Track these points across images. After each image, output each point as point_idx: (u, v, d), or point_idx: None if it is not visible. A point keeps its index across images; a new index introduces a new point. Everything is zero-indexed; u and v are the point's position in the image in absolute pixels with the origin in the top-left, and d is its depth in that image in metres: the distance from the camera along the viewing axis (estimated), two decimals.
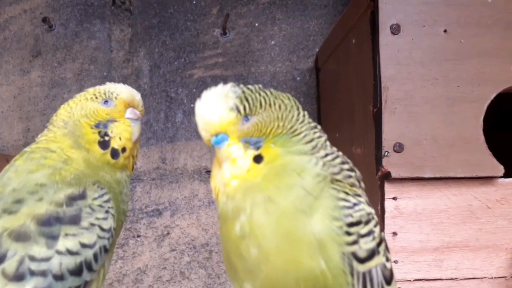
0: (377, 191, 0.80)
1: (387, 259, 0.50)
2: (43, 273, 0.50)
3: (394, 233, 0.78)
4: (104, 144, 0.60)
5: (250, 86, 0.54)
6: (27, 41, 1.27)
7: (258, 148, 0.51)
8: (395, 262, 0.78)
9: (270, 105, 0.53)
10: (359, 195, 0.51)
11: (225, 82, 1.42)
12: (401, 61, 0.78)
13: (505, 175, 0.79)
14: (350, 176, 0.52)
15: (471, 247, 0.78)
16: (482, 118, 0.79)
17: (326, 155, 0.52)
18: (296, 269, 0.46)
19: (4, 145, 1.25)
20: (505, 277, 0.78)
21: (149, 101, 1.24)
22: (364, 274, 0.48)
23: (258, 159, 0.50)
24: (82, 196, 0.55)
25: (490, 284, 0.78)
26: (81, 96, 0.63)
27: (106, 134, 0.61)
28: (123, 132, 0.62)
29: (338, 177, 0.50)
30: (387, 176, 0.78)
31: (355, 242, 0.47)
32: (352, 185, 0.51)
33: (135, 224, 1.21)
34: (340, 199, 0.48)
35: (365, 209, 0.49)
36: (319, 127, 0.56)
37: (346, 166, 0.52)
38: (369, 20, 0.81)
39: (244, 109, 0.52)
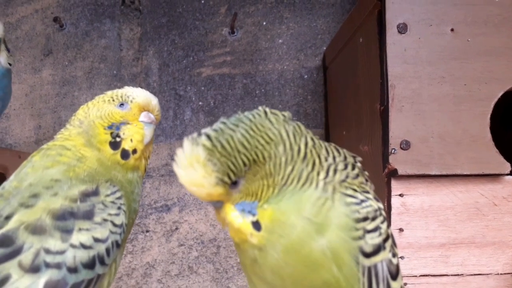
0: (384, 188, 0.81)
1: (394, 255, 0.51)
2: (57, 266, 0.52)
3: (401, 230, 0.79)
4: (114, 145, 0.62)
5: (224, 143, 0.46)
6: (38, 40, 1.28)
7: (254, 214, 0.48)
8: (402, 258, 0.78)
9: (254, 160, 0.47)
10: (367, 192, 0.51)
11: (233, 80, 1.43)
12: (408, 60, 0.79)
13: None
14: (357, 176, 0.51)
15: (477, 244, 0.79)
16: (489, 116, 0.79)
17: (327, 173, 0.49)
18: (311, 283, 0.47)
19: (16, 141, 1.27)
20: (511, 273, 0.79)
21: (158, 99, 1.25)
22: (369, 269, 0.48)
23: (257, 226, 0.48)
24: (95, 192, 0.57)
25: (496, 280, 0.79)
26: (100, 98, 0.66)
27: (117, 136, 0.63)
28: (135, 134, 0.63)
29: (347, 180, 0.50)
30: (393, 173, 0.79)
31: (361, 237, 0.48)
32: (360, 183, 0.51)
33: (144, 220, 1.22)
34: (348, 196, 0.48)
35: (372, 205, 0.50)
36: (309, 143, 0.50)
37: (352, 172, 0.51)
38: (377, 19, 0.82)
39: (229, 178, 0.46)
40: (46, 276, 0.51)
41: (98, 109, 0.64)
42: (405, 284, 0.78)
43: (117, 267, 0.60)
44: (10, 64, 0.93)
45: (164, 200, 1.23)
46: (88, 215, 0.55)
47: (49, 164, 0.58)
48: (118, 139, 0.62)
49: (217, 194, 0.47)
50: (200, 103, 1.26)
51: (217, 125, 0.48)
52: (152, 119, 0.67)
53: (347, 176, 0.50)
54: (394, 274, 0.50)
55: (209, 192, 0.47)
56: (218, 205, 0.49)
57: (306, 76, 1.26)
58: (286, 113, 0.51)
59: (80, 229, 0.54)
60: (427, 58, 0.79)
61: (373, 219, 0.49)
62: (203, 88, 1.26)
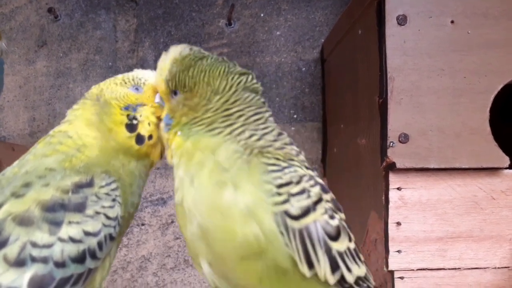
0: (382, 182, 0.80)
1: (332, 217, 0.51)
2: (44, 260, 0.50)
3: (398, 223, 0.79)
4: (131, 127, 0.60)
5: (192, 57, 0.55)
6: (32, 31, 1.27)
7: (167, 130, 0.56)
8: (399, 251, 0.78)
9: (191, 87, 0.54)
10: (292, 160, 0.52)
11: None
12: (407, 52, 0.78)
13: (511, 166, 0.79)
14: (282, 148, 0.53)
15: (475, 238, 0.79)
16: (488, 109, 0.78)
17: (251, 136, 0.53)
18: (231, 237, 0.48)
19: (10, 134, 1.25)
20: (508, 267, 0.79)
21: None
22: (300, 231, 0.49)
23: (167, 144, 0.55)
24: (89, 184, 0.55)
25: (493, 274, 0.79)
26: (111, 81, 0.63)
27: (134, 118, 0.60)
28: (151, 116, 0.61)
29: (268, 149, 0.52)
30: (392, 167, 0.78)
31: (285, 201, 0.49)
32: (286, 153, 0.53)
33: (140, 213, 1.22)
34: (269, 164, 0.50)
35: (297, 171, 0.51)
36: (245, 112, 0.55)
37: (278, 143, 0.54)
38: (376, 11, 0.81)
39: (173, 84, 0.55)
40: (31, 271, 0.49)
41: (112, 91, 0.62)
42: (402, 277, 0.78)
43: (112, 260, 0.59)
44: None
45: (159, 194, 1.23)
46: (80, 208, 0.53)
47: (48, 153, 0.57)
48: (134, 122, 0.60)
49: (162, 88, 0.56)
50: None
51: (199, 49, 0.58)
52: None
53: (270, 146, 0.53)
54: (334, 235, 0.50)
55: (158, 82, 0.56)
56: (160, 101, 0.58)
57: (303, 68, 1.25)
58: (258, 85, 0.57)
59: (70, 222, 0.52)
60: (427, 50, 0.78)
61: (298, 183, 0.50)
62: None
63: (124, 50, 1.26)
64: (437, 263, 0.78)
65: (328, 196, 0.52)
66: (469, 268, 0.78)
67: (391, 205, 0.79)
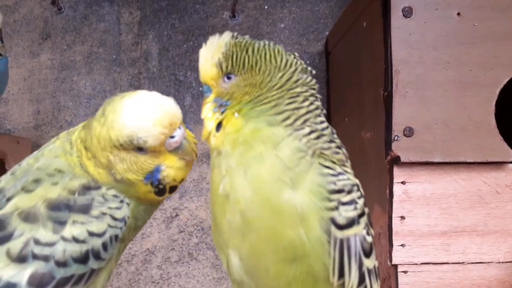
0: (386, 175, 0.80)
1: (368, 233, 0.51)
2: (45, 258, 0.50)
3: (402, 217, 0.78)
4: (160, 192, 0.55)
5: (245, 40, 0.52)
6: (36, 24, 1.27)
7: (222, 113, 0.51)
8: (403, 245, 0.78)
9: (252, 66, 0.51)
10: (345, 166, 0.51)
11: None
12: (413, 45, 0.78)
13: None
14: (337, 153, 0.52)
15: (479, 232, 0.79)
16: (494, 102, 0.78)
17: (311, 132, 0.50)
18: (277, 238, 0.47)
19: (15, 127, 1.26)
20: None
21: (158, 84, 1.24)
22: (341, 241, 0.48)
23: (218, 127, 0.51)
24: (98, 187, 0.54)
25: (497, 269, 0.78)
26: (108, 141, 0.53)
27: (159, 183, 0.54)
28: (177, 174, 0.55)
29: (326, 152, 0.50)
30: (396, 160, 0.78)
31: (335, 208, 0.48)
32: (339, 159, 0.51)
33: None
34: (325, 167, 0.49)
35: (350, 179, 0.50)
36: (308, 97, 0.52)
37: (333, 144, 0.52)
38: (381, 3, 0.80)
39: (227, 67, 0.51)
40: (32, 267, 0.49)
41: (120, 160, 0.53)
42: (406, 271, 0.78)
43: (117, 261, 0.58)
44: (0, 55, 0.92)
45: None
46: (85, 209, 0.52)
47: (61, 155, 0.56)
48: (161, 187, 0.55)
49: (210, 75, 0.52)
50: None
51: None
52: (178, 140, 0.53)
53: (328, 148, 0.51)
54: (368, 251, 0.50)
55: (207, 69, 0.52)
56: (207, 93, 0.53)
57: (308, 61, 1.24)
58: (310, 74, 0.54)
59: (74, 222, 0.51)
60: (432, 42, 0.78)
61: (349, 192, 0.49)
62: None
63: (128, 43, 1.26)
64: (441, 258, 0.78)
65: (366, 210, 0.52)
66: (473, 263, 0.78)
67: (395, 199, 0.78)
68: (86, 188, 0.53)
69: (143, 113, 0.52)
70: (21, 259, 0.49)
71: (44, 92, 1.26)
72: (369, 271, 0.51)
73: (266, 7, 1.25)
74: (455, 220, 0.79)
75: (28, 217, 0.51)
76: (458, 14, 0.78)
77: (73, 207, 0.52)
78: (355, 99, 0.98)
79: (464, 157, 0.77)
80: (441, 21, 0.78)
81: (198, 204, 1.22)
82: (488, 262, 0.79)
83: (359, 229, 0.49)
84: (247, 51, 0.51)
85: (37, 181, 0.53)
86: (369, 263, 0.51)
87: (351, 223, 0.49)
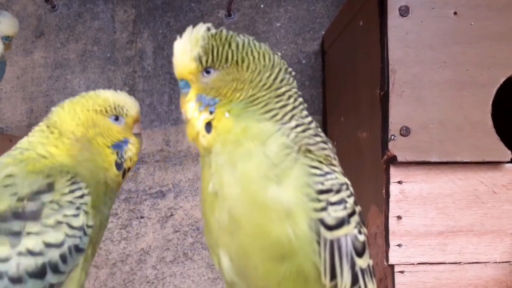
0: (383, 175, 0.80)
1: (360, 232, 0.50)
2: None
3: (399, 217, 0.78)
4: (119, 166, 0.59)
5: (224, 33, 0.50)
6: (30, 21, 1.25)
7: (211, 112, 0.50)
8: (399, 245, 0.78)
9: (237, 62, 0.50)
10: (333, 165, 0.51)
11: None
12: (409, 44, 0.77)
13: None
14: (324, 148, 0.51)
15: (475, 232, 0.78)
16: (491, 102, 0.78)
17: (297, 126, 0.50)
18: (264, 235, 0.47)
19: (7, 125, 1.25)
20: (509, 262, 0.78)
21: (153, 83, 1.23)
22: (331, 242, 0.48)
23: (208, 128, 0.49)
24: (49, 189, 0.51)
25: (493, 269, 0.78)
26: (89, 105, 0.59)
27: (122, 156, 0.60)
28: (134, 155, 0.61)
29: (313, 148, 0.50)
30: (392, 160, 0.77)
31: (323, 209, 0.47)
32: (327, 155, 0.51)
33: (139, 206, 1.21)
34: (312, 167, 0.48)
35: (338, 178, 0.49)
36: (292, 94, 0.52)
37: (318, 139, 0.51)
38: (377, 2, 0.80)
39: (207, 61, 0.49)
40: None
41: (94, 123, 0.58)
42: (403, 271, 0.78)
43: (86, 274, 0.55)
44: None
45: (159, 186, 1.22)
46: (34, 216, 0.49)
47: (9, 161, 0.55)
48: (122, 160, 0.60)
49: (189, 69, 0.50)
50: None
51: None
52: (141, 128, 0.64)
53: (315, 143, 0.50)
54: (360, 251, 0.50)
55: (185, 63, 0.50)
56: (185, 88, 0.51)
57: (304, 61, 1.24)
58: (290, 74, 0.54)
59: (28, 233, 0.48)
60: (429, 42, 0.77)
61: (338, 192, 0.48)
62: None
63: (123, 41, 1.25)
64: (437, 257, 0.78)
65: (357, 209, 0.51)
66: (469, 263, 0.78)
67: (391, 198, 0.78)
68: (36, 193, 0.51)
69: (126, 95, 0.62)
70: None
71: (38, 91, 1.25)
72: (362, 270, 0.50)
73: (262, 6, 1.24)
74: (452, 220, 0.79)
75: None
76: (455, 13, 0.78)
77: (22, 214, 0.49)
78: (351, 98, 0.98)
79: (460, 157, 0.77)
80: (438, 20, 0.78)
81: (193, 204, 1.21)
82: (485, 262, 0.78)
83: (349, 229, 0.49)
84: (229, 46, 0.50)
85: None
86: (362, 262, 0.50)
87: (341, 223, 0.48)
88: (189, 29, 0.51)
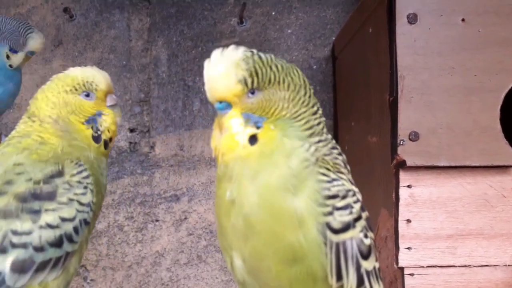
0: (392, 179, 0.81)
1: (366, 236, 0.53)
2: (24, 245, 0.55)
3: (408, 220, 0.79)
4: (97, 139, 0.64)
5: (262, 56, 0.53)
6: (49, 31, 1.29)
7: (258, 127, 0.52)
8: (409, 248, 0.79)
9: (279, 82, 0.53)
10: (341, 173, 0.54)
11: None
12: (417, 51, 0.78)
13: None
14: (336, 158, 0.55)
15: (485, 235, 0.79)
16: (499, 107, 0.78)
17: (319, 141, 0.54)
18: (277, 241, 0.49)
19: None
20: None
21: (167, 90, 1.26)
22: (337, 244, 0.50)
23: (252, 140, 0.52)
24: (60, 173, 0.59)
25: (503, 272, 0.79)
26: (59, 87, 0.64)
27: (98, 129, 0.65)
28: (111, 124, 0.66)
29: (327, 158, 0.53)
30: (402, 165, 0.78)
31: (330, 213, 0.50)
32: (335, 164, 0.54)
33: (154, 209, 1.24)
34: (321, 174, 0.51)
35: (344, 185, 0.52)
36: (320, 111, 0.57)
37: (335, 151, 0.55)
38: (386, 9, 0.81)
39: (252, 83, 0.52)
40: (12, 255, 0.54)
41: (65, 103, 0.63)
42: (412, 274, 0.79)
43: (87, 243, 0.63)
44: (11, 66, 0.97)
45: (173, 190, 1.25)
46: (50, 196, 0.57)
47: (10, 150, 0.60)
48: (98, 132, 0.64)
49: (234, 92, 0.52)
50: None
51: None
52: (116, 99, 0.68)
53: (330, 154, 0.54)
54: (366, 253, 0.52)
55: (229, 86, 0.51)
56: (225, 109, 0.53)
57: (315, 66, 1.26)
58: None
59: (46, 210, 0.56)
60: (437, 48, 0.78)
61: (344, 197, 0.51)
62: None
63: (138, 49, 1.28)
64: (447, 260, 0.79)
65: (364, 215, 0.54)
66: (479, 266, 0.79)
67: (401, 202, 0.79)
68: (49, 177, 0.58)
69: (94, 69, 0.66)
70: (1, 250, 0.54)
71: None
72: (368, 272, 0.52)
73: (273, 13, 1.26)
74: (461, 224, 0.79)
75: (5, 214, 0.55)
76: (463, 20, 0.79)
77: (40, 195, 0.56)
78: (362, 103, 0.99)
79: (469, 161, 0.78)
80: (446, 27, 0.79)
81: (206, 207, 1.24)
82: (495, 265, 0.79)
83: (355, 233, 0.51)
84: (271, 68, 0.53)
85: (9, 182, 0.57)
86: (368, 264, 0.52)
87: (346, 227, 0.51)
88: (223, 52, 0.52)
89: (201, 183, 1.24)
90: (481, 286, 0.78)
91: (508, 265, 0.79)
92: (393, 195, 0.80)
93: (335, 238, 0.50)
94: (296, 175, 0.50)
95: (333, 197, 0.51)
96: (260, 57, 0.53)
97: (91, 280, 1.23)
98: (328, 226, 0.50)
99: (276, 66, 0.53)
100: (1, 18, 0.97)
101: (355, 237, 0.51)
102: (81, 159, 0.61)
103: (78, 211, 0.58)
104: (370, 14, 0.91)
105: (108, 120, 0.66)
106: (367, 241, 0.53)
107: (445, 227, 0.79)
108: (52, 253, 0.56)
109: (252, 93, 0.52)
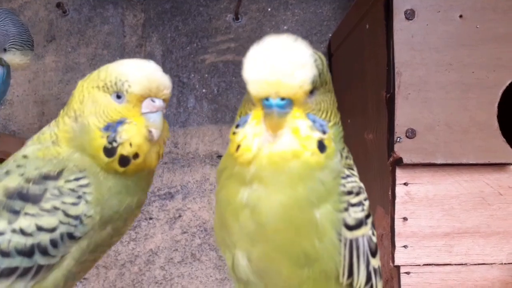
0: (389, 177, 0.80)
1: (373, 234, 0.52)
2: None
3: (405, 218, 0.79)
4: (109, 152, 0.51)
5: (318, 53, 0.47)
6: (41, 26, 1.28)
7: (324, 132, 0.46)
8: (405, 247, 0.78)
9: (326, 82, 0.47)
10: (352, 169, 0.53)
11: (237, 68, 1.44)
12: (415, 47, 0.78)
13: None
14: (348, 157, 0.53)
15: (482, 233, 0.79)
16: (496, 104, 0.78)
17: (344, 147, 0.52)
18: (292, 246, 0.48)
19: (19, 128, 1.27)
20: None
21: None
22: (351, 241, 0.49)
23: (322, 147, 0.46)
24: (56, 177, 0.51)
25: (500, 270, 0.79)
26: (94, 80, 0.54)
27: (114, 140, 0.51)
28: (134, 137, 0.51)
29: (348, 161, 0.52)
30: (398, 162, 0.78)
31: (345, 210, 0.49)
32: (349, 164, 0.53)
33: (148, 207, 1.23)
34: (340, 177, 0.50)
35: (357, 182, 0.51)
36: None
37: (346, 148, 0.54)
38: (383, 5, 0.80)
39: (316, 82, 0.45)
40: None
41: (93, 101, 0.53)
42: (409, 273, 0.78)
43: (77, 263, 0.53)
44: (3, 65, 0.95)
45: (167, 188, 1.23)
46: (35, 199, 0.50)
47: (28, 143, 0.56)
48: (114, 144, 0.51)
49: (305, 89, 0.44)
50: (204, 90, 1.25)
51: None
52: (158, 106, 0.53)
53: (347, 157, 0.52)
54: (374, 251, 0.52)
55: (304, 82, 0.43)
56: (286, 108, 0.44)
57: None
58: None
59: (26, 214, 0.50)
60: (435, 44, 0.78)
61: (357, 194, 0.50)
62: (206, 75, 1.25)
63: (132, 45, 1.27)
64: (443, 259, 0.78)
65: (371, 212, 0.54)
66: (475, 264, 0.78)
67: (397, 200, 0.79)
68: (43, 178, 0.51)
69: (138, 65, 0.52)
70: None
71: (49, 94, 1.27)
72: (374, 270, 0.52)
73: (269, 9, 1.25)
74: (458, 222, 0.79)
75: None
76: (460, 16, 0.78)
77: (25, 196, 0.51)
78: (358, 100, 0.98)
79: (466, 159, 0.77)
80: (443, 23, 0.78)
81: (201, 205, 1.23)
82: (491, 264, 0.79)
83: (366, 230, 0.51)
84: (325, 65, 0.48)
85: (7, 173, 0.53)
86: (375, 262, 0.52)
87: (359, 224, 0.50)
88: (295, 40, 0.44)
89: (195, 181, 1.23)
90: (477, 284, 0.78)
91: (505, 263, 0.79)
92: (390, 193, 0.80)
93: (350, 235, 0.49)
94: (324, 189, 0.47)
95: (349, 193, 0.49)
96: (319, 56, 0.47)
97: (84, 278, 1.21)
98: (344, 222, 0.49)
99: (327, 66, 0.48)
100: (12, 17, 0.96)
101: (366, 234, 0.50)
102: (87, 172, 0.52)
103: (61, 222, 0.50)
104: (367, 10, 0.91)
105: (131, 131, 0.51)
106: (374, 239, 0.52)
107: (442, 225, 0.79)
108: (19, 262, 0.50)
109: (311, 92, 0.46)
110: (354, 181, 0.50)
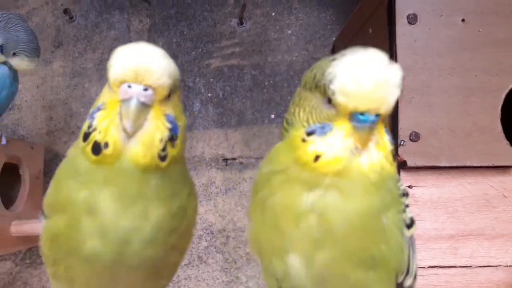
0: None
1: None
2: None
3: None
4: (85, 137, 0.47)
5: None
6: (49, 32, 1.29)
7: (392, 144, 0.47)
8: None
9: None
10: None
11: (242, 72, 1.44)
12: (417, 51, 0.79)
13: None
14: None
15: (486, 236, 0.79)
16: (499, 107, 0.78)
17: None
18: (362, 251, 0.47)
19: (28, 133, 1.29)
20: None
21: None
22: (410, 239, 0.52)
23: (394, 158, 0.47)
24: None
25: (505, 272, 0.79)
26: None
27: (90, 125, 0.47)
28: (104, 123, 0.47)
29: None
30: (403, 165, 0.78)
31: (404, 211, 0.51)
32: None
33: None
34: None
35: (403, 184, 0.53)
36: None
37: None
38: (386, 10, 0.81)
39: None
40: None
41: (104, 90, 0.50)
42: None
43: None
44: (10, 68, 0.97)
45: None
46: None
47: None
48: (90, 130, 0.47)
49: (391, 105, 0.45)
50: (209, 94, 1.26)
51: None
52: (131, 92, 0.45)
53: None
54: (415, 248, 0.54)
55: (396, 97, 0.44)
56: (375, 121, 0.44)
57: None
58: None
59: None
60: (437, 49, 0.78)
61: (406, 195, 0.52)
62: (212, 79, 1.26)
63: None
64: (448, 261, 0.79)
65: None
66: (480, 266, 0.79)
67: None
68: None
69: (125, 48, 0.48)
70: None
71: (57, 99, 1.29)
72: (416, 266, 0.54)
73: (273, 13, 1.26)
74: (462, 224, 0.79)
75: None
76: (463, 20, 0.79)
77: None
78: None
79: (470, 162, 0.78)
80: (446, 28, 0.79)
81: (207, 208, 1.24)
82: (496, 266, 0.79)
83: (414, 228, 0.53)
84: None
85: None
86: (416, 259, 0.54)
87: (412, 222, 0.52)
88: (389, 61, 0.46)
89: (201, 184, 1.24)
90: (482, 286, 0.78)
91: (510, 266, 0.79)
92: None
93: (408, 233, 0.51)
94: (391, 195, 0.48)
95: (403, 195, 0.51)
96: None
97: None
98: (404, 222, 0.51)
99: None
100: (23, 24, 0.98)
101: (413, 232, 0.53)
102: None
103: None
104: (370, 15, 0.91)
105: (102, 118, 0.46)
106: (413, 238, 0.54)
107: (446, 227, 0.79)
108: None
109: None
110: (401, 184, 0.52)
